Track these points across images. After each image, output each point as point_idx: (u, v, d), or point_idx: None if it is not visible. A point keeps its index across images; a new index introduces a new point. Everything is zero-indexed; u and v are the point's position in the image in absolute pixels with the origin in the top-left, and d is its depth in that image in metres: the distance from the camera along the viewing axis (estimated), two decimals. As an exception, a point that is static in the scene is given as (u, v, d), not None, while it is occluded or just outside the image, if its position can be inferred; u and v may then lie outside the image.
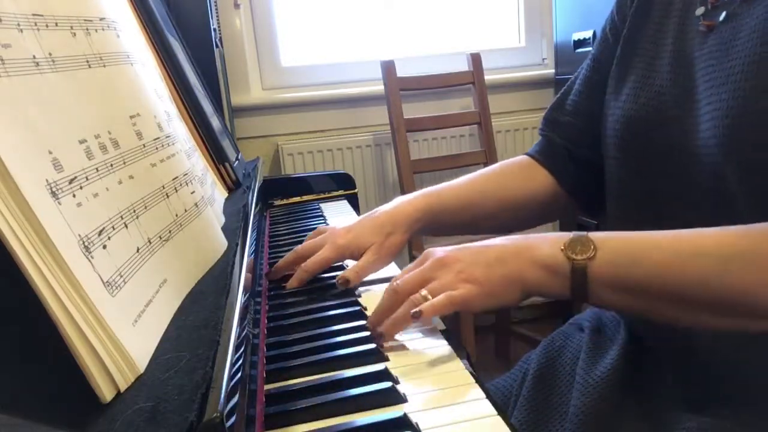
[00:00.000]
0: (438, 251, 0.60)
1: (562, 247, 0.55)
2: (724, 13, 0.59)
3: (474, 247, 0.59)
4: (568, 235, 0.56)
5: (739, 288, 0.49)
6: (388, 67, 1.96)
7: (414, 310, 0.54)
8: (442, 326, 0.60)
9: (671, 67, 0.64)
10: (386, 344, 0.57)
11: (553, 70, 2.26)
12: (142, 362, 0.39)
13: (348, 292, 0.69)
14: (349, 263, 0.75)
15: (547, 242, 0.57)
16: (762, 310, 0.49)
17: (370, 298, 0.68)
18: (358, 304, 0.65)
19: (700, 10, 0.62)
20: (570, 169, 0.79)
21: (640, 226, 0.62)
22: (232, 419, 0.35)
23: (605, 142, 0.71)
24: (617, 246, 0.55)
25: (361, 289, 0.72)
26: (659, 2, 0.68)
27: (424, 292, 0.56)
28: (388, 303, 0.58)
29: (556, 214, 0.89)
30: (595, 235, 0.56)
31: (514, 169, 0.83)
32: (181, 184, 0.58)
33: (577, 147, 0.78)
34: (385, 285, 0.73)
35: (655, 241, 0.55)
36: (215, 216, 0.69)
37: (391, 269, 0.76)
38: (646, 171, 0.66)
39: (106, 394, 0.35)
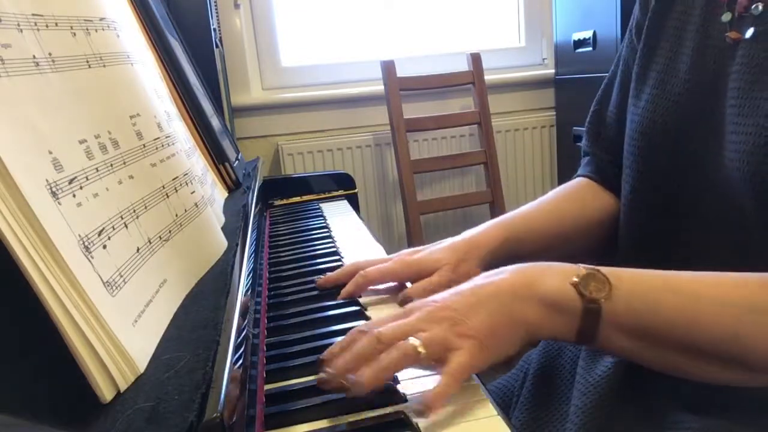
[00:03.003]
0: (423, 302, 0.52)
1: (574, 281, 0.49)
2: (752, 30, 0.56)
3: (466, 290, 0.52)
4: (577, 269, 0.50)
5: (752, 341, 0.47)
6: (388, 67, 1.96)
7: (419, 407, 0.44)
8: None
9: (690, 74, 0.62)
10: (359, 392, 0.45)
11: (553, 70, 2.26)
12: (142, 362, 0.39)
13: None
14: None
15: (555, 275, 0.51)
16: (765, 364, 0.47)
17: (371, 299, 0.68)
18: (358, 303, 0.65)
19: (726, 16, 0.58)
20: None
21: (648, 242, 0.59)
22: (232, 419, 0.35)
23: (624, 150, 0.70)
24: (634, 287, 0.50)
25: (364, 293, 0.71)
26: None
27: (417, 342, 0.46)
28: (368, 350, 0.47)
29: None
30: (608, 272, 0.50)
31: (579, 191, 0.80)
32: (181, 184, 0.58)
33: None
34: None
35: (672, 284, 0.50)
36: (215, 216, 0.69)
37: None
38: (661, 185, 0.64)
39: (106, 394, 0.35)
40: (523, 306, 0.50)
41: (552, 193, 0.81)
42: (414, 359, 0.46)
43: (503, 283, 0.51)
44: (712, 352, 0.48)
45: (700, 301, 0.49)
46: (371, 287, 0.68)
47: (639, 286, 0.51)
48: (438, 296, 0.52)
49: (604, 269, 0.51)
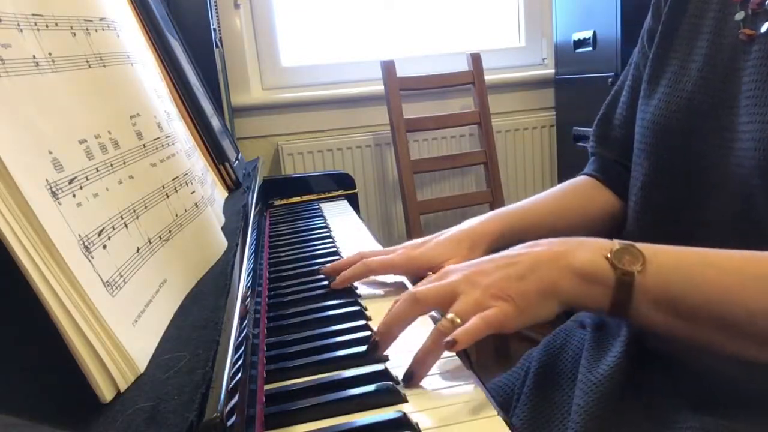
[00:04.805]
0: (459, 266, 0.54)
1: (608, 255, 0.50)
2: (767, 25, 0.57)
3: (501, 258, 0.54)
4: (612, 243, 0.51)
5: None
6: (388, 67, 1.96)
7: (447, 338, 0.47)
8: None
9: (703, 72, 0.62)
10: (417, 385, 0.49)
11: (553, 70, 2.26)
12: (142, 362, 0.39)
13: (348, 292, 0.69)
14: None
15: (589, 248, 0.52)
16: None
17: (373, 299, 0.68)
18: (358, 304, 0.65)
19: (739, 15, 0.59)
20: (627, 184, 0.76)
21: (658, 238, 0.59)
22: (232, 419, 0.35)
23: (635, 147, 0.70)
24: (669, 261, 0.50)
25: (365, 293, 0.72)
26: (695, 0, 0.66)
27: (450, 315, 0.49)
28: (407, 311, 0.51)
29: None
30: (643, 246, 0.51)
31: (581, 189, 0.82)
32: (181, 184, 0.58)
33: (630, 161, 0.75)
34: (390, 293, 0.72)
35: (709, 258, 0.50)
36: (215, 216, 0.69)
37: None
38: (672, 181, 0.65)
39: (106, 394, 0.35)
40: (557, 275, 0.51)
41: (557, 188, 0.82)
42: (451, 331, 0.48)
43: (539, 253, 0.53)
44: (750, 329, 0.47)
45: (737, 275, 0.48)
46: (373, 276, 0.70)
47: (674, 260, 0.50)
48: (473, 262, 0.54)
49: (638, 244, 0.51)
